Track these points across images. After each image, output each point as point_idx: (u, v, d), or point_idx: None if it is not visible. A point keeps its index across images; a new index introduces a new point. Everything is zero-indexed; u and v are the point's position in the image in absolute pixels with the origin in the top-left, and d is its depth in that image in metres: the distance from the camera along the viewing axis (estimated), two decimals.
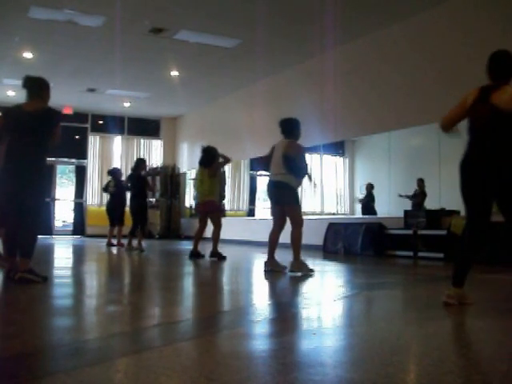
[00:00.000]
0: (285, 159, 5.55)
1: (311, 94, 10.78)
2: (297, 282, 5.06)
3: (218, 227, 7.49)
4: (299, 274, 5.43)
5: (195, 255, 7.49)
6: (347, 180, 12.70)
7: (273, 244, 5.76)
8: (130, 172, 10.06)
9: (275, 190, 5.68)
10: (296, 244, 5.58)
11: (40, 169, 4.43)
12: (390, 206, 10.55)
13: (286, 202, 5.64)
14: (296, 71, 11.41)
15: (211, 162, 7.57)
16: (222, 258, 7.34)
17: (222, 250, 7.54)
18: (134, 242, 9.31)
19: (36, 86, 4.57)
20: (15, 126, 4.40)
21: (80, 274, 6.20)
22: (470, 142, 3.52)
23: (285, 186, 5.57)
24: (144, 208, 9.39)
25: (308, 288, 4.78)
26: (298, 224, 5.61)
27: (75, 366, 2.02)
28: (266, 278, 5.35)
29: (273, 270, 5.65)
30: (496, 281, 5.17)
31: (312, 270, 5.53)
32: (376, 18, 8.70)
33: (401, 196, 9.72)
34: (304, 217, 5.81)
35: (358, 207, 11.83)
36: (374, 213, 10.59)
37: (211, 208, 7.53)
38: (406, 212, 8.50)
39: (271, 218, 5.90)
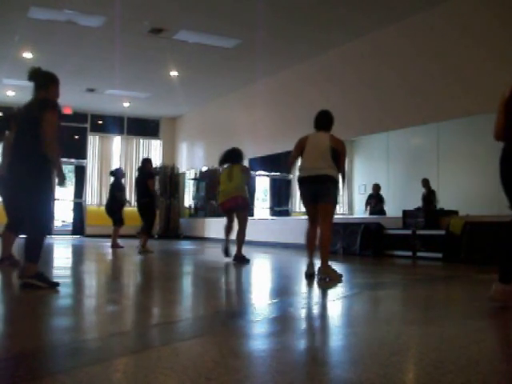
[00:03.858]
0: (333, 152, 5.06)
1: (311, 94, 10.78)
2: (297, 282, 5.06)
3: (244, 227, 7.12)
4: (328, 279, 5.01)
5: (227, 250, 7.20)
6: (346, 180, 12.70)
7: (314, 246, 5.26)
8: (136, 173, 9.97)
9: (319, 184, 5.05)
10: (328, 247, 5.15)
11: (40, 169, 4.11)
12: (389, 206, 10.55)
13: (329, 198, 5.08)
14: (296, 71, 11.42)
15: (241, 158, 7.40)
16: (246, 262, 6.95)
17: (220, 249, 7.51)
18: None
19: (41, 80, 4.32)
20: (18, 126, 4.27)
21: (79, 273, 6.20)
22: (508, 137, 3.38)
23: (333, 179, 5.05)
24: (147, 207, 9.18)
25: (307, 288, 4.78)
26: (332, 224, 5.20)
27: (75, 366, 2.02)
28: (287, 281, 5.27)
29: (322, 277, 5.05)
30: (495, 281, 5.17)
31: (341, 275, 5.15)
32: (376, 17, 8.70)
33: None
34: (303, 217, 5.57)
35: (357, 207, 11.81)
36: (384, 214, 10.41)
37: (242, 203, 7.09)
38: (404, 212, 8.50)
39: (306, 217, 5.36)
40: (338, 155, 5.11)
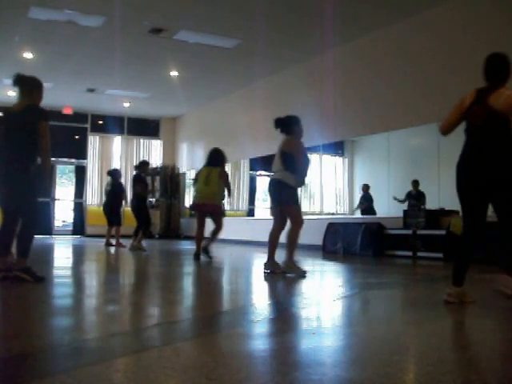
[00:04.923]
0: (283, 156, 5.41)
1: (311, 94, 10.78)
2: (296, 282, 5.06)
3: (220, 228, 7.47)
4: (291, 275, 5.28)
5: (198, 255, 7.37)
6: (346, 180, 12.71)
7: (273, 244, 5.57)
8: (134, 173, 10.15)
9: (273, 188, 5.52)
10: (292, 244, 5.41)
11: (27, 169, 4.35)
12: (389, 206, 10.56)
13: (284, 201, 5.45)
14: (296, 71, 11.42)
15: (222, 162, 7.53)
16: (210, 258, 7.31)
17: (222, 249, 7.54)
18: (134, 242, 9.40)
19: (25, 86, 4.51)
20: (5, 129, 4.43)
21: (80, 273, 6.20)
22: (466, 143, 3.59)
23: (283, 184, 5.39)
24: (141, 209, 9.40)
25: (307, 288, 4.78)
26: (297, 223, 5.44)
27: (75, 366, 2.02)
28: (265, 279, 5.31)
29: (273, 271, 5.48)
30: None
31: (305, 272, 5.33)
32: (376, 17, 8.70)
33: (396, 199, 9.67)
34: (303, 217, 5.64)
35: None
36: (374, 213, 10.58)
37: (216, 211, 7.47)
38: (405, 212, 8.50)
39: (272, 217, 5.76)
40: (290, 157, 5.38)
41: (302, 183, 5.57)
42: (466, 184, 3.53)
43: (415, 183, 9.67)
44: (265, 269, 5.58)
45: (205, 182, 7.31)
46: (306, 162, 5.55)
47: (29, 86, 4.53)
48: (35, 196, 4.52)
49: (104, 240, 10.60)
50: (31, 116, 4.37)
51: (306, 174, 5.54)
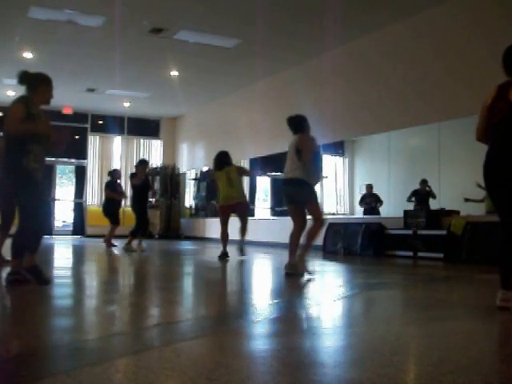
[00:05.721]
0: (298, 153, 5.33)
1: (311, 94, 10.77)
2: (296, 282, 5.06)
3: (247, 225, 7.64)
4: (299, 274, 5.22)
5: (226, 255, 7.46)
6: (347, 180, 12.71)
7: (294, 245, 5.42)
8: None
9: (292, 187, 5.40)
10: (309, 240, 5.33)
11: (9, 169, 4.14)
12: (389, 206, 10.56)
13: (304, 199, 5.37)
14: (296, 71, 11.41)
15: (231, 161, 7.75)
16: (244, 255, 7.60)
17: (221, 249, 7.56)
18: (134, 243, 9.40)
19: (30, 83, 4.28)
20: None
21: (80, 274, 6.20)
22: (490, 141, 3.44)
23: (302, 182, 5.29)
24: (139, 209, 9.40)
25: (308, 288, 4.78)
26: (319, 220, 5.36)
27: (75, 366, 2.02)
28: (287, 281, 5.26)
29: (294, 273, 5.29)
30: (496, 281, 5.18)
31: (309, 273, 5.28)
32: (376, 17, 8.70)
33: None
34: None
35: (358, 207, 11.83)
36: (377, 213, 10.55)
37: (245, 208, 7.71)
38: (405, 212, 8.50)
39: (290, 218, 5.62)
40: (301, 153, 5.37)
41: (317, 180, 5.54)
42: (493, 184, 3.38)
43: (424, 183, 9.56)
44: (286, 270, 5.40)
45: (228, 184, 7.48)
46: (318, 158, 5.58)
47: (33, 83, 4.27)
48: (23, 193, 4.16)
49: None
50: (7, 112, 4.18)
51: (319, 170, 5.55)
